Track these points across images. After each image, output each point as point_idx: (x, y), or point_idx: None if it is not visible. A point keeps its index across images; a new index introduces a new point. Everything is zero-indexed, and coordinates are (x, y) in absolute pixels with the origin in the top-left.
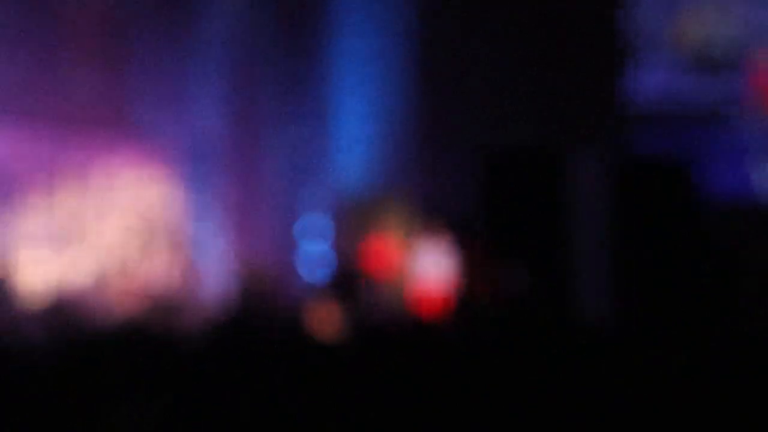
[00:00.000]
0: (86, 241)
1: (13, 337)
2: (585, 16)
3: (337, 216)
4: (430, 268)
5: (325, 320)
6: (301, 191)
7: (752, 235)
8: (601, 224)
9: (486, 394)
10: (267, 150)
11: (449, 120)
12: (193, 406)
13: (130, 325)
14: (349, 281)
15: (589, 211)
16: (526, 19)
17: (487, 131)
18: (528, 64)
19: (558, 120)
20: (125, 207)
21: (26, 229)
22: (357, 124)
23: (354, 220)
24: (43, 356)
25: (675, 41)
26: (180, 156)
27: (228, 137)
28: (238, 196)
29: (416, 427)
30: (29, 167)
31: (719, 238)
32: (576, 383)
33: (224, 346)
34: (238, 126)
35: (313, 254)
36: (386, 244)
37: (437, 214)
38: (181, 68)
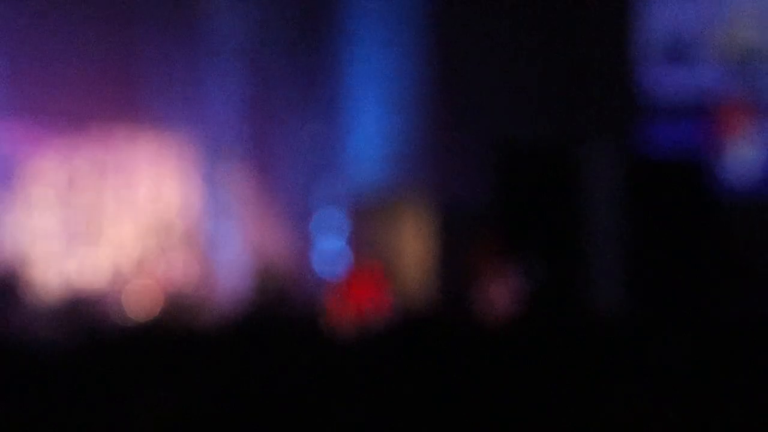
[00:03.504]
0: (103, 237)
1: (30, 333)
2: (601, 12)
3: (353, 212)
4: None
5: (343, 315)
6: (317, 187)
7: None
8: (616, 217)
9: (499, 387)
10: (283, 145)
11: (465, 114)
12: (211, 401)
13: (148, 322)
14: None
15: (605, 205)
16: (542, 13)
17: (503, 126)
18: (544, 59)
19: (573, 114)
20: (142, 203)
21: (43, 225)
22: (373, 118)
23: (370, 216)
24: (61, 353)
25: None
26: (197, 152)
27: (244, 133)
28: (254, 192)
29: (433, 421)
30: (48, 163)
31: (734, 230)
32: (592, 374)
33: (241, 343)
34: (254, 122)
35: (329, 250)
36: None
37: (453, 208)
38: (198, 64)
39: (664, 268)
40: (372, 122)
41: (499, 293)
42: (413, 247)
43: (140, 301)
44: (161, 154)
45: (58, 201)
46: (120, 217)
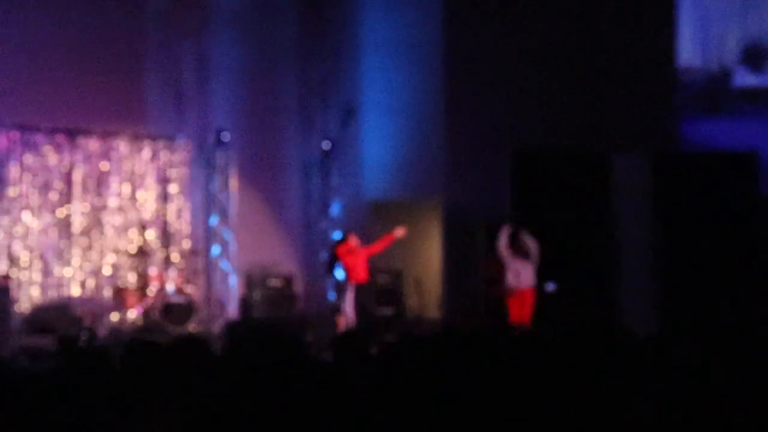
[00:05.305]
0: (101, 243)
1: (21, 339)
2: (630, 12)
3: (363, 219)
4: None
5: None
6: (325, 194)
7: None
8: (645, 223)
9: (510, 395)
10: (290, 152)
11: (484, 119)
12: (209, 407)
13: (145, 328)
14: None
15: (634, 211)
16: (568, 15)
17: (521, 132)
18: (572, 63)
19: (603, 120)
20: (141, 209)
21: (39, 230)
22: (386, 125)
23: (383, 223)
24: (54, 359)
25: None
26: (199, 159)
27: (251, 139)
28: (257, 200)
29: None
30: (44, 170)
31: None
32: (622, 387)
33: (245, 350)
34: (261, 128)
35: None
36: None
37: (470, 214)
38: (200, 69)
39: (697, 276)
40: (387, 128)
41: (516, 301)
42: (429, 253)
43: (137, 307)
44: (161, 160)
45: (53, 205)
46: (118, 223)
